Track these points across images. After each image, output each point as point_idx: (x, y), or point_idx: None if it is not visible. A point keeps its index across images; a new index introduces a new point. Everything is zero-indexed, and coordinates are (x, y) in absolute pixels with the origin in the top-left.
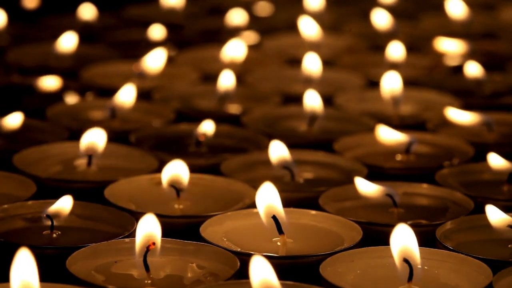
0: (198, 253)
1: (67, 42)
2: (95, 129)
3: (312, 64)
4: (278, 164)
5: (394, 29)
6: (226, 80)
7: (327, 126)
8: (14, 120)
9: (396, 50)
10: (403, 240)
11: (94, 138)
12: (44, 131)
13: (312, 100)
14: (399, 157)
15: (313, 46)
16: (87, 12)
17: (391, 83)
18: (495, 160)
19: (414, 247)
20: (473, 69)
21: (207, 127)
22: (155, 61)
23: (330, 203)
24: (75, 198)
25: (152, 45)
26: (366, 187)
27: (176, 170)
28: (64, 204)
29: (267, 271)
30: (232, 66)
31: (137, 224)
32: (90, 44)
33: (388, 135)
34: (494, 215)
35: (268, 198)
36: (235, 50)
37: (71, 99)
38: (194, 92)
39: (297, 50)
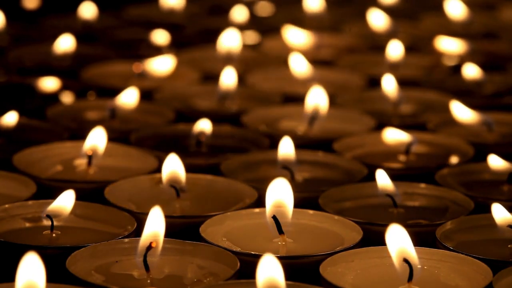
0: (198, 253)
1: (67, 42)
2: (97, 129)
3: (298, 65)
4: (280, 164)
5: (394, 29)
6: (227, 80)
7: (327, 126)
8: (10, 118)
9: (395, 50)
10: (399, 240)
11: (96, 139)
12: (44, 131)
13: (314, 100)
14: (399, 157)
15: (314, 47)
16: (87, 12)
17: (390, 84)
18: (495, 161)
19: (409, 246)
20: (472, 70)
21: (205, 126)
22: (161, 65)
23: (330, 203)
24: (75, 198)
25: (152, 45)
26: (384, 181)
27: (175, 169)
28: (65, 202)
29: (275, 271)
30: (232, 65)
31: (136, 224)
32: (90, 44)
33: (393, 136)
34: (499, 214)
35: (277, 195)
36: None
37: (71, 99)
38: (194, 92)
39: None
